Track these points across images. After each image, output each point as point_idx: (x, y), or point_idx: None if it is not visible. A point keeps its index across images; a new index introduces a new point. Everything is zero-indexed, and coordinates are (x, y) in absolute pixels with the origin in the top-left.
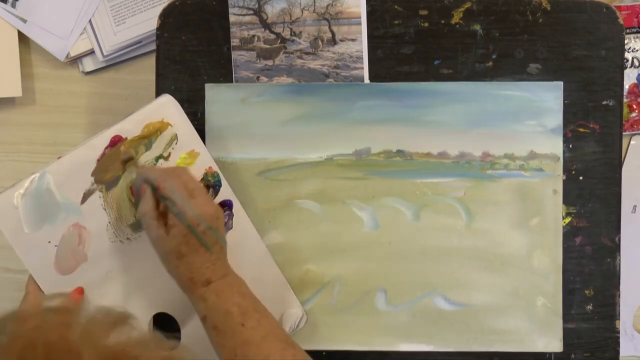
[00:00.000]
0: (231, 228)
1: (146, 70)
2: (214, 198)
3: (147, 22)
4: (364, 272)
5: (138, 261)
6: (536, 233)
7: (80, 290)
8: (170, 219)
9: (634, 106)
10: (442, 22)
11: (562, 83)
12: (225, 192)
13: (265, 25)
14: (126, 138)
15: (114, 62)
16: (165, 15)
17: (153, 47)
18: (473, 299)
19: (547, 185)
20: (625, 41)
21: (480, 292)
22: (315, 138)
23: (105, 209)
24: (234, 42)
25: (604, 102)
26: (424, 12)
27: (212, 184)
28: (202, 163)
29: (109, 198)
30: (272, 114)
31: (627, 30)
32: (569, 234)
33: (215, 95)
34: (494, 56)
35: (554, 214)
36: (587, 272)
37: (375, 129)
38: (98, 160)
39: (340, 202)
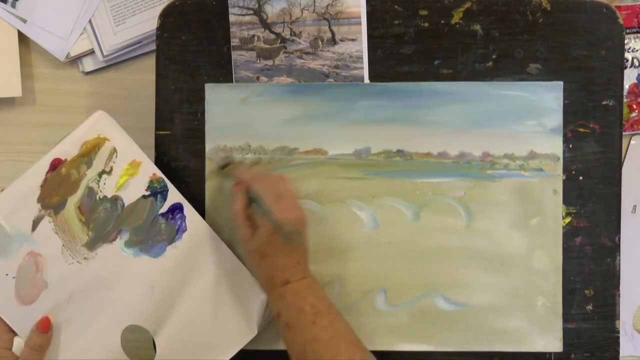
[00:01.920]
0: (185, 230)
1: (146, 70)
2: (163, 203)
3: (147, 22)
4: (364, 272)
5: (99, 278)
6: (536, 233)
7: (46, 320)
8: (258, 220)
9: (634, 106)
10: (442, 22)
11: (562, 83)
12: (174, 196)
13: (265, 25)
14: (66, 159)
15: (114, 62)
16: (165, 15)
17: (153, 47)
18: (473, 299)
19: (547, 185)
20: (625, 41)
21: (480, 292)
22: (315, 138)
23: (57, 233)
24: (234, 42)
25: (604, 102)
26: (424, 12)
27: (158, 190)
28: (146, 171)
29: (59, 221)
30: (272, 114)
31: (627, 30)
32: (569, 234)
33: (215, 95)
34: (494, 56)
35: (554, 214)
36: (587, 272)
37: (375, 128)
38: (41, 186)
39: (340, 202)
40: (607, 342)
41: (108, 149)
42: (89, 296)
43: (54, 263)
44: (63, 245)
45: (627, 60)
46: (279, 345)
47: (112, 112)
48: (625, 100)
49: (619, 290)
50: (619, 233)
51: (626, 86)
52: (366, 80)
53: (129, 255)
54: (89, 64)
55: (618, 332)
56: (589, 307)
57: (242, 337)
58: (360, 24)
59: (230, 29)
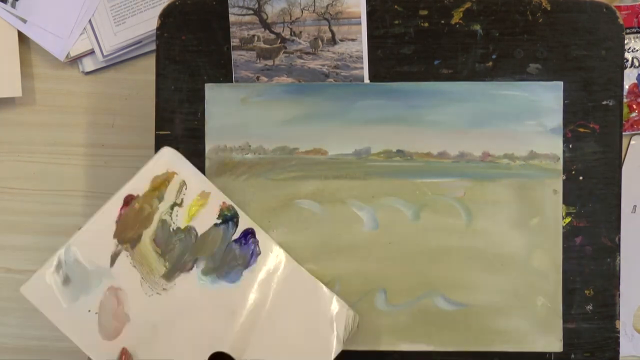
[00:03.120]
0: (260, 254)
1: (146, 70)
2: (235, 229)
3: (147, 22)
4: (364, 272)
5: (180, 308)
6: (536, 233)
7: (125, 352)
8: None
9: (634, 106)
10: (442, 22)
11: (562, 83)
12: (245, 222)
13: (265, 25)
14: (138, 195)
15: (114, 62)
16: (165, 15)
17: (153, 47)
18: (473, 299)
19: (547, 185)
20: (625, 41)
21: (480, 292)
22: (315, 138)
23: (135, 267)
24: (234, 42)
25: (604, 102)
26: (424, 12)
27: (229, 218)
28: (215, 201)
29: (136, 255)
30: (272, 114)
31: (627, 30)
32: (569, 234)
33: (215, 95)
34: (494, 56)
35: (554, 214)
36: (587, 272)
37: (375, 128)
38: (117, 222)
39: (340, 202)
40: (607, 342)
41: (177, 182)
42: (172, 326)
43: (135, 296)
44: (142, 278)
45: (627, 60)
46: None
47: (112, 112)
48: (625, 100)
49: (619, 290)
50: (619, 233)
51: (626, 86)
52: (366, 80)
53: (206, 283)
54: (89, 64)
55: (618, 332)
56: (589, 307)
57: (328, 351)
58: (360, 24)
59: (230, 29)
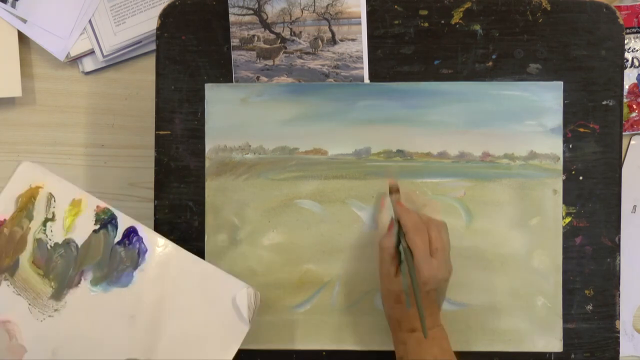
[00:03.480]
0: (146, 250)
1: (146, 70)
2: (116, 231)
3: (147, 22)
4: (364, 272)
5: (77, 325)
6: (536, 233)
7: None
8: (403, 268)
9: (634, 106)
10: (442, 22)
11: (562, 83)
12: (125, 221)
13: (265, 25)
14: (5, 219)
15: (114, 62)
16: (165, 15)
17: (153, 47)
18: (473, 299)
19: (547, 185)
20: (625, 41)
21: (480, 292)
22: (315, 138)
23: (19, 294)
24: (234, 42)
25: (604, 102)
26: (424, 12)
27: (107, 221)
28: (89, 206)
29: (18, 282)
30: (272, 114)
31: (627, 30)
32: (569, 234)
33: (215, 95)
34: (494, 56)
35: (554, 214)
36: (587, 272)
37: (375, 128)
38: None
39: (340, 202)
40: (607, 342)
41: (44, 196)
42: (73, 346)
43: (26, 325)
44: (29, 304)
45: (627, 60)
46: (279, 344)
47: (112, 112)
48: (625, 100)
49: (619, 290)
50: (619, 233)
51: (626, 86)
52: (366, 80)
53: (98, 292)
54: (89, 64)
55: (618, 332)
56: (589, 307)
57: (237, 334)
58: (360, 24)
59: (230, 29)
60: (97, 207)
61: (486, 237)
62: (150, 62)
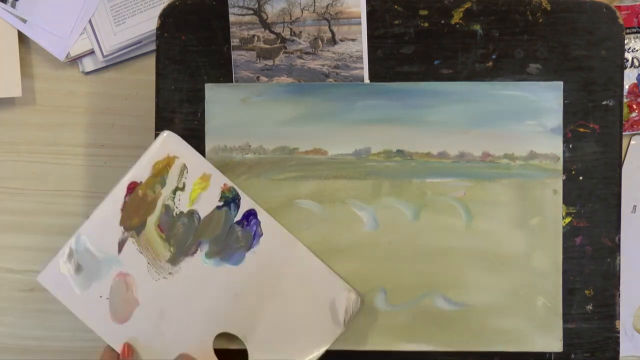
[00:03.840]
0: (262, 235)
1: (146, 70)
2: (237, 211)
3: (147, 22)
4: (364, 272)
5: (186, 291)
6: (536, 233)
7: (127, 347)
8: None
9: (634, 106)
10: (442, 22)
11: (562, 83)
12: (246, 203)
13: (265, 25)
14: (141, 182)
15: (114, 62)
16: (165, 15)
17: (153, 47)
18: (473, 299)
19: (547, 185)
20: (625, 41)
21: (480, 292)
22: (315, 138)
23: (141, 252)
24: (234, 42)
25: (604, 102)
26: (424, 12)
27: (231, 200)
28: (217, 183)
29: (142, 241)
30: (272, 114)
31: (627, 30)
32: (569, 234)
33: (215, 95)
34: (494, 56)
35: (554, 214)
36: (587, 272)
37: (375, 128)
38: (122, 210)
39: (340, 202)
40: (607, 342)
41: (178, 166)
42: (179, 309)
43: (143, 281)
44: (148, 263)
45: (627, 60)
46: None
47: (112, 112)
48: (625, 100)
49: (619, 290)
50: (619, 233)
51: (626, 86)
52: (366, 80)
53: (210, 265)
54: (89, 64)
55: (618, 332)
56: (589, 307)
57: (329, 334)
58: (360, 23)
59: (230, 29)
60: (224, 185)
61: (486, 237)
62: (150, 62)
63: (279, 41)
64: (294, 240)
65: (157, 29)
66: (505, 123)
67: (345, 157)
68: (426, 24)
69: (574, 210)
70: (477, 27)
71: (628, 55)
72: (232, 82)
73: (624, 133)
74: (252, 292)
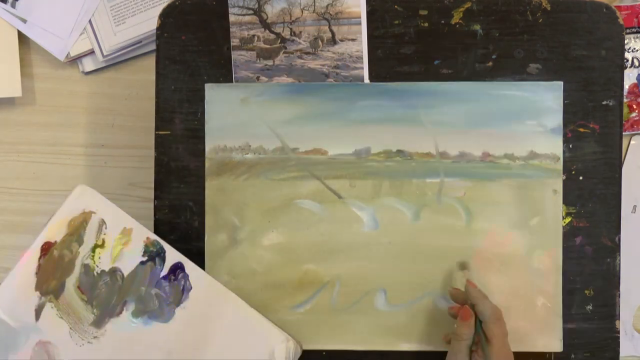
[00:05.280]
0: (191, 288)
1: (146, 70)
2: (163, 265)
3: (147, 22)
4: (364, 272)
5: (114, 355)
6: (536, 233)
7: None
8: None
9: (634, 106)
10: (442, 22)
11: (562, 83)
12: (172, 256)
13: (265, 25)
14: (56, 241)
15: (114, 62)
16: (165, 15)
17: (153, 47)
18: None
19: (547, 185)
20: (625, 41)
21: None
22: (315, 138)
23: (62, 317)
24: (234, 42)
25: (604, 102)
26: (424, 12)
27: (155, 254)
28: (139, 237)
29: (62, 305)
30: (272, 114)
31: (627, 30)
32: (569, 234)
33: (215, 95)
34: (494, 56)
35: (553, 214)
36: (587, 272)
37: (375, 128)
38: (36, 274)
39: (340, 202)
40: (607, 342)
41: (96, 222)
42: None
43: (65, 348)
44: (70, 328)
45: (627, 60)
46: None
47: (112, 112)
48: (625, 100)
49: (619, 290)
50: (619, 233)
51: (626, 86)
52: (366, 80)
53: (138, 325)
54: (89, 64)
55: (618, 332)
56: (589, 307)
57: None
58: (360, 24)
59: (230, 29)
60: (147, 238)
61: (486, 237)
62: (150, 62)
63: (279, 41)
64: (226, 291)
65: (157, 29)
66: (505, 123)
67: (345, 157)
68: (426, 24)
69: (574, 210)
70: (477, 27)
71: (628, 55)
72: (232, 82)
73: (624, 133)
74: (185, 349)
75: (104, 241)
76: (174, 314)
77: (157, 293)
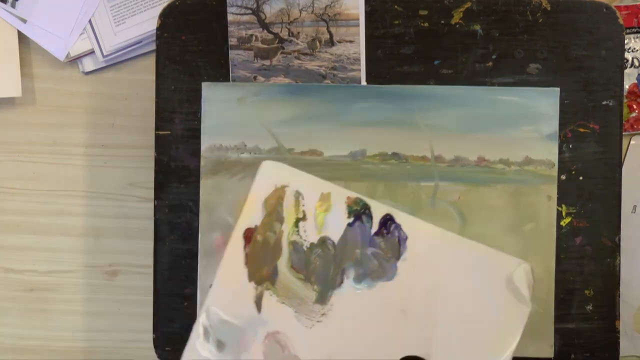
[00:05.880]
0: (407, 238)
1: (146, 70)
2: (371, 222)
3: (147, 22)
4: None
5: (347, 327)
6: (530, 239)
7: None
8: None
9: (634, 106)
10: (442, 22)
11: (558, 89)
12: (379, 209)
13: (263, 25)
14: (256, 226)
15: (114, 62)
16: (165, 15)
17: (153, 47)
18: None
19: (542, 191)
20: (625, 41)
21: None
22: (311, 139)
23: (283, 303)
24: (232, 41)
25: (604, 102)
26: (424, 12)
27: (360, 212)
28: (339, 198)
29: (280, 290)
30: (269, 114)
31: (627, 30)
32: (569, 234)
33: (212, 94)
34: (494, 56)
35: (547, 220)
36: (587, 272)
37: (371, 131)
38: (246, 264)
39: None
40: (607, 342)
41: (291, 195)
42: (346, 349)
43: (296, 333)
44: (295, 311)
45: (627, 60)
46: None
47: (112, 112)
48: (625, 100)
49: (619, 290)
50: (619, 233)
51: (626, 86)
52: (363, 82)
53: (363, 289)
54: (89, 64)
55: (618, 332)
56: (589, 307)
57: (519, 317)
58: (358, 25)
59: (228, 28)
60: (348, 198)
61: (480, 241)
62: (150, 62)
63: (276, 41)
64: (443, 232)
65: (157, 29)
66: (501, 128)
67: (340, 159)
68: (426, 24)
69: (574, 210)
70: (477, 27)
71: (628, 55)
72: (230, 82)
73: (624, 133)
74: (418, 303)
75: (304, 213)
76: (396, 269)
77: (373, 252)
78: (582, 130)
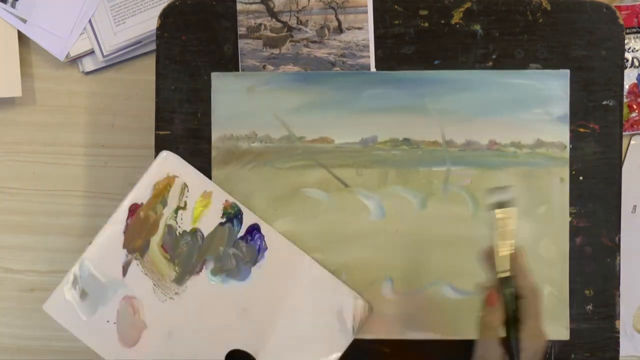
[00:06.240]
0: (266, 249)
1: (146, 70)
2: (240, 227)
3: (147, 22)
4: (370, 260)
5: (193, 311)
6: (543, 222)
7: None
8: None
9: (634, 106)
10: (442, 22)
11: (568, 71)
12: (249, 218)
13: (272, 13)
14: (142, 203)
15: (114, 62)
16: (165, 15)
17: (153, 47)
18: (479, 287)
19: (554, 173)
20: (625, 41)
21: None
22: (322, 126)
23: (146, 274)
24: (241, 30)
25: (604, 102)
26: (424, 12)
27: (233, 216)
28: (218, 200)
29: (146, 263)
30: (278, 103)
31: (627, 30)
32: (569, 234)
33: (222, 84)
34: (494, 56)
35: (560, 202)
36: (587, 272)
37: (382, 117)
38: (124, 233)
39: (346, 190)
40: (607, 342)
41: (179, 186)
42: (187, 329)
43: (149, 303)
44: (154, 284)
45: (627, 60)
46: None
47: (112, 112)
48: (625, 100)
49: (619, 290)
50: (619, 233)
51: (626, 86)
52: (372, 68)
53: (217, 283)
54: (89, 64)
55: (618, 332)
56: (589, 307)
57: (339, 343)
58: (366, 12)
59: (237, 17)
60: (226, 201)
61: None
62: (150, 62)
63: (285, 30)
64: (299, 252)
65: (157, 29)
66: (511, 111)
67: (351, 146)
68: (426, 24)
69: (574, 210)
70: (477, 27)
71: (628, 55)
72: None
73: (624, 133)
74: (260, 306)
75: (186, 203)
76: (250, 273)
77: (234, 253)
78: (582, 130)
